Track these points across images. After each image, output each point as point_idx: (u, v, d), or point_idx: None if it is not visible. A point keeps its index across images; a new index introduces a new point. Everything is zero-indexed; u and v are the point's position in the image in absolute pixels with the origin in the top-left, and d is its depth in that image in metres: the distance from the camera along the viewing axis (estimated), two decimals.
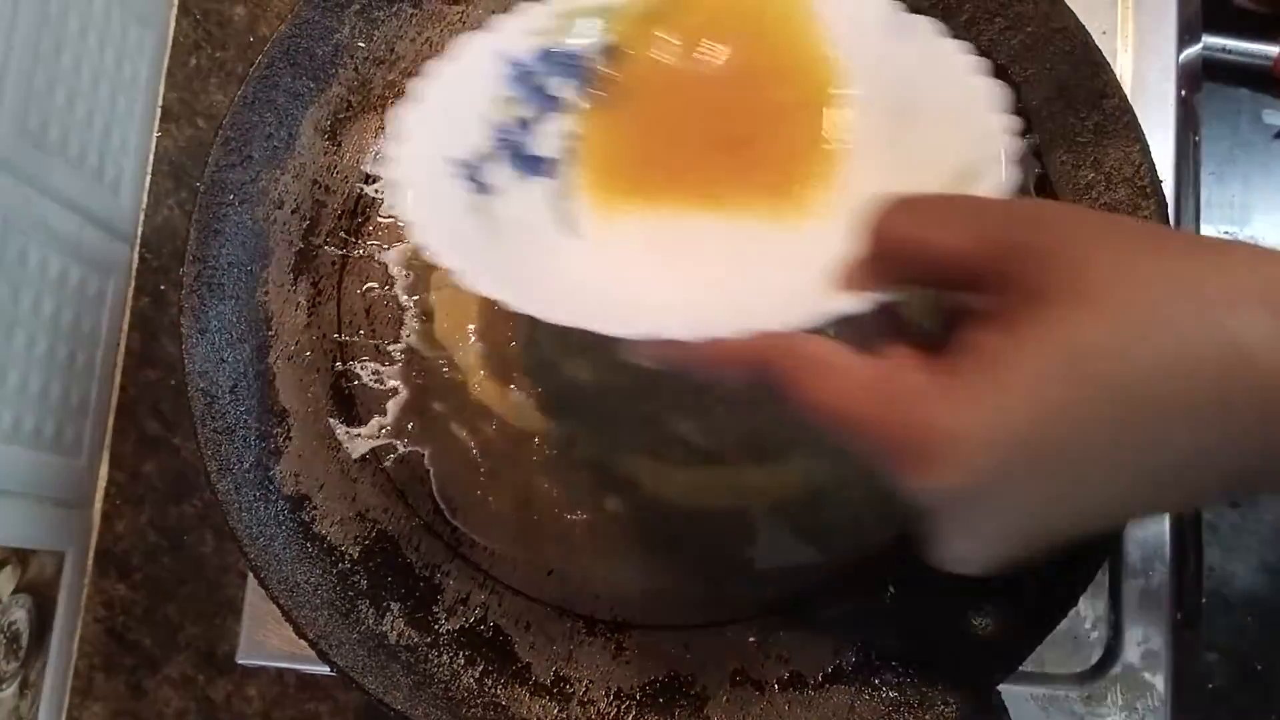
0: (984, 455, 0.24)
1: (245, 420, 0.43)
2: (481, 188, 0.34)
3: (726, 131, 0.35)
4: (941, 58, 0.33)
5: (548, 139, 0.35)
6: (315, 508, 0.43)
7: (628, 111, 0.36)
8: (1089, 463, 0.25)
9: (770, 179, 0.34)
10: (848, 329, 0.28)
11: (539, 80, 0.36)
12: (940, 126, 0.32)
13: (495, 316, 0.44)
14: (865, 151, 0.34)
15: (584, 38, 0.36)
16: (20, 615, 0.50)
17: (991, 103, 0.31)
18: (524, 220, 0.34)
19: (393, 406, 0.44)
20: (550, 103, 0.36)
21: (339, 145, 0.46)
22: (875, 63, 0.34)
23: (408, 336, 0.44)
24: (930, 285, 0.28)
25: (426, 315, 0.44)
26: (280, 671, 0.52)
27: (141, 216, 0.58)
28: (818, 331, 0.28)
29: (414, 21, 0.46)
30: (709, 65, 0.36)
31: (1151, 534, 0.48)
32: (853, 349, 0.27)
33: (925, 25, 0.34)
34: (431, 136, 0.34)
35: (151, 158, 0.58)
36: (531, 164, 0.35)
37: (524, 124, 0.35)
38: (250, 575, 0.48)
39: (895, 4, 0.35)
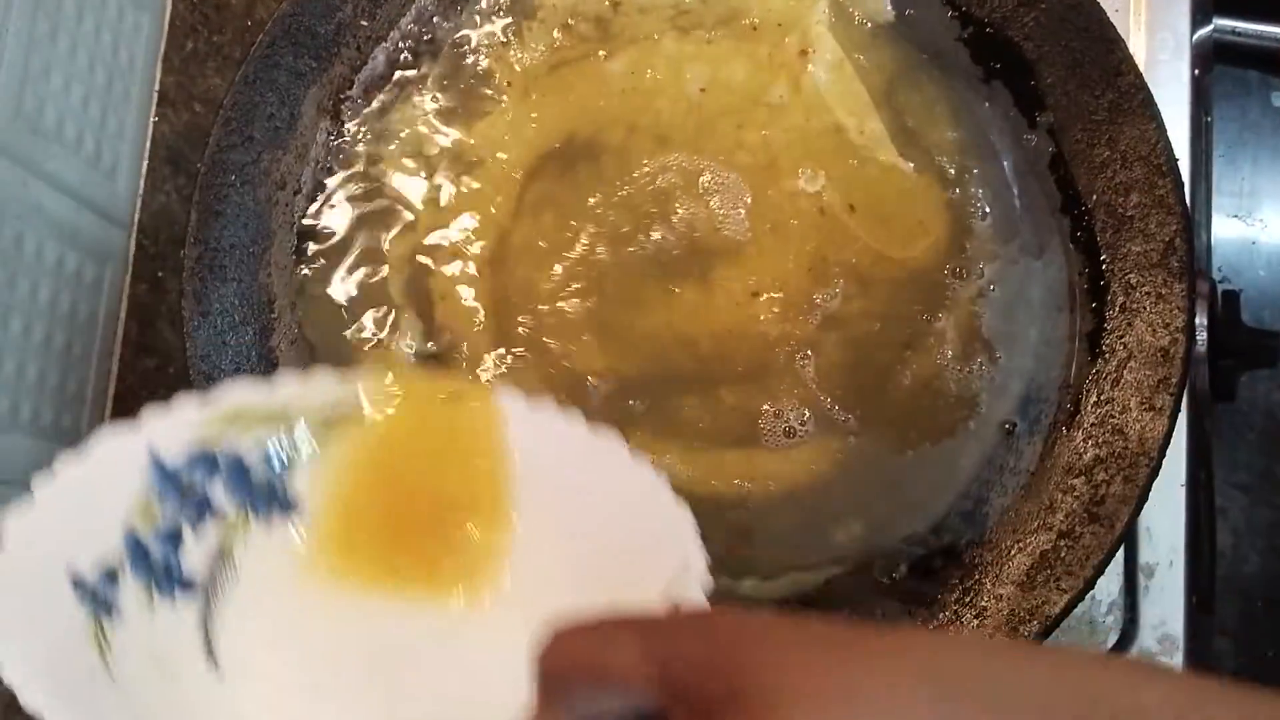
0: None
1: None
2: (103, 609, 0.29)
3: (395, 542, 0.32)
4: (628, 480, 0.31)
5: (194, 553, 0.31)
6: None
7: (293, 522, 0.32)
8: None
9: (438, 588, 0.31)
10: None
11: (191, 486, 0.31)
12: (630, 549, 0.30)
13: (501, 302, 0.43)
14: (543, 570, 0.31)
15: (249, 442, 0.32)
16: None
17: (682, 523, 0.30)
18: (155, 650, 0.29)
19: None
20: (202, 512, 0.31)
21: (341, 125, 0.45)
22: (559, 489, 0.32)
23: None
24: (613, 715, 0.24)
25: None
26: None
27: (139, 202, 0.57)
28: None
29: None
30: (385, 476, 0.33)
31: (1167, 519, 0.47)
32: None
33: (615, 451, 0.31)
34: (42, 547, 0.29)
35: (148, 143, 0.57)
36: (170, 581, 0.30)
37: (169, 535, 0.31)
38: None
39: (581, 427, 0.32)
